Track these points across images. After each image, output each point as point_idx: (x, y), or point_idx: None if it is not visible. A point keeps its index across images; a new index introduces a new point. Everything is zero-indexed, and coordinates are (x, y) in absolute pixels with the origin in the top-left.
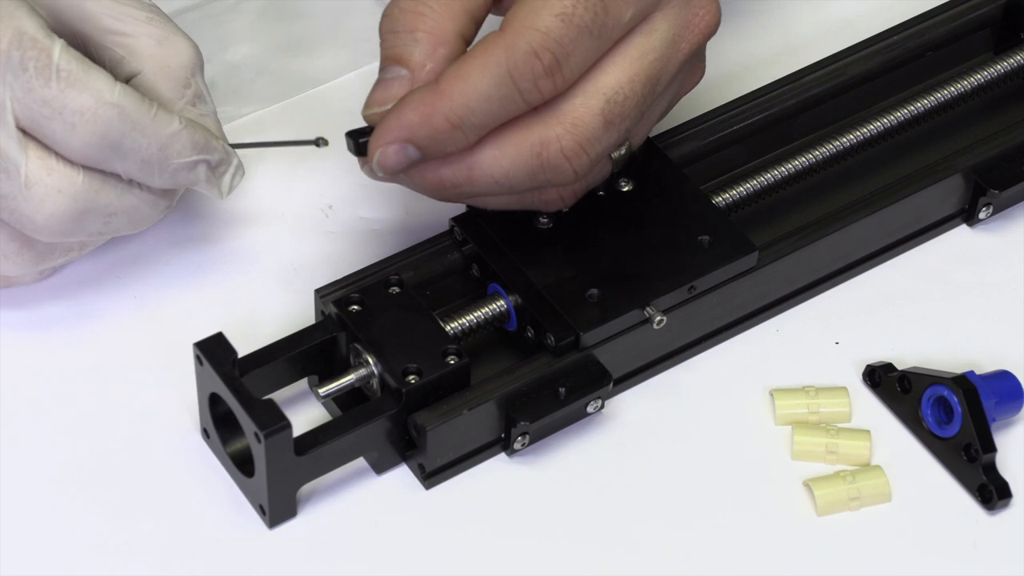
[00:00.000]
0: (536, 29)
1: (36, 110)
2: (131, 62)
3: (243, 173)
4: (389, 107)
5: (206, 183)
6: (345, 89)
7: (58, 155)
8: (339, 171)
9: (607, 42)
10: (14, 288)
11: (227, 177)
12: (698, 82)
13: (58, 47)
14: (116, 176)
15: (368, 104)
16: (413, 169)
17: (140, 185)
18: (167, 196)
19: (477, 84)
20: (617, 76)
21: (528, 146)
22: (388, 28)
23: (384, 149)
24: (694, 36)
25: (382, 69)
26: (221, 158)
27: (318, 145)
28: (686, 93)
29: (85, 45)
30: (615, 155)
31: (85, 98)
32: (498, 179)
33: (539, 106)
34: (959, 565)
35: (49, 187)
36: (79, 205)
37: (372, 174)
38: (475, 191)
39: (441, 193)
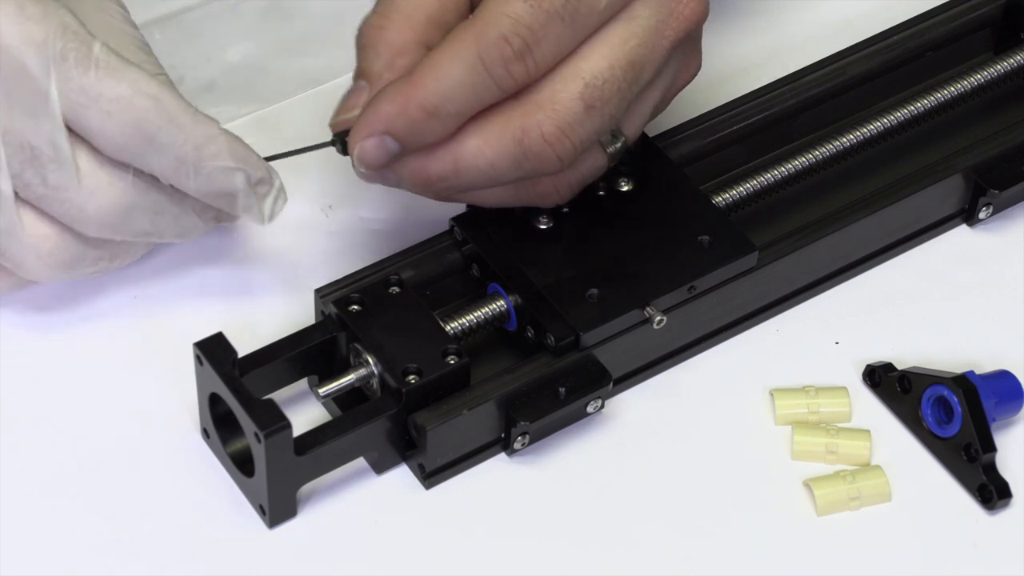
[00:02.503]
0: (505, 14)
1: (73, 99)
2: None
3: (286, 199)
4: (354, 114)
5: (244, 203)
6: (345, 89)
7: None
8: (339, 171)
9: (583, 29)
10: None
11: (269, 200)
12: (694, 76)
13: (98, 42)
14: (156, 185)
15: (334, 116)
16: (398, 165)
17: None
18: (210, 207)
19: (449, 71)
20: (596, 61)
21: (510, 133)
22: (357, 45)
23: (363, 144)
24: (679, 24)
25: (352, 84)
26: (262, 177)
27: (337, 148)
28: (682, 87)
29: None
30: (610, 149)
31: (123, 87)
32: (484, 170)
33: (519, 93)
34: (959, 565)
35: (101, 179)
36: (129, 199)
37: (362, 175)
38: (463, 184)
39: (431, 189)
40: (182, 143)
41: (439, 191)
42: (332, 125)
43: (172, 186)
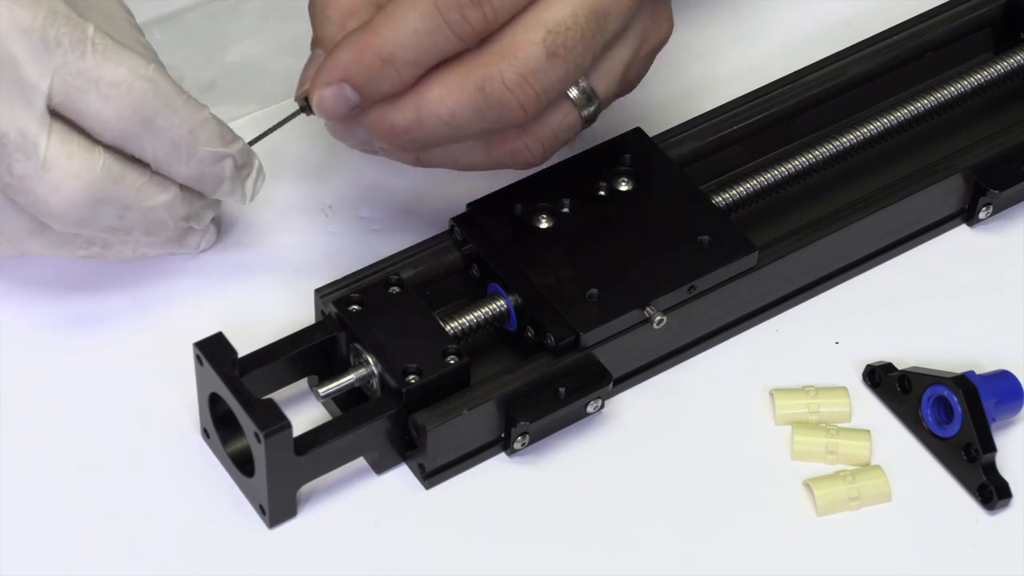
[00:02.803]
0: None
1: (70, 82)
2: None
3: (264, 178)
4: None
5: (230, 184)
6: None
7: (80, 141)
8: (339, 171)
9: None
10: (14, 289)
11: (250, 181)
12: (666, 37)
13: (91, 25)
14: (138, 168)
15: (297, 88)
16: (363, 117)
17: (160, 183)
18: (186, 202)
19: (404, 19)
20: (558, 9)
21: (471, 82)
22: (310, 14)
23: (321, 92)
24: None
25: (311, 53)
26: (245, 160)
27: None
28: (655, 48)
29: None
30: (585, 112)
31: (122, 71)
32: (446, 120)
33: (481, 44)
34: (959, 565)
35: (67, 171)
36: (94, 192)
37: (330, 130)
38: (428, 136)
39: (396, 141)
40: (177, 127)
41: (404, 144)
42: (296, 97)
43: (144, 180)
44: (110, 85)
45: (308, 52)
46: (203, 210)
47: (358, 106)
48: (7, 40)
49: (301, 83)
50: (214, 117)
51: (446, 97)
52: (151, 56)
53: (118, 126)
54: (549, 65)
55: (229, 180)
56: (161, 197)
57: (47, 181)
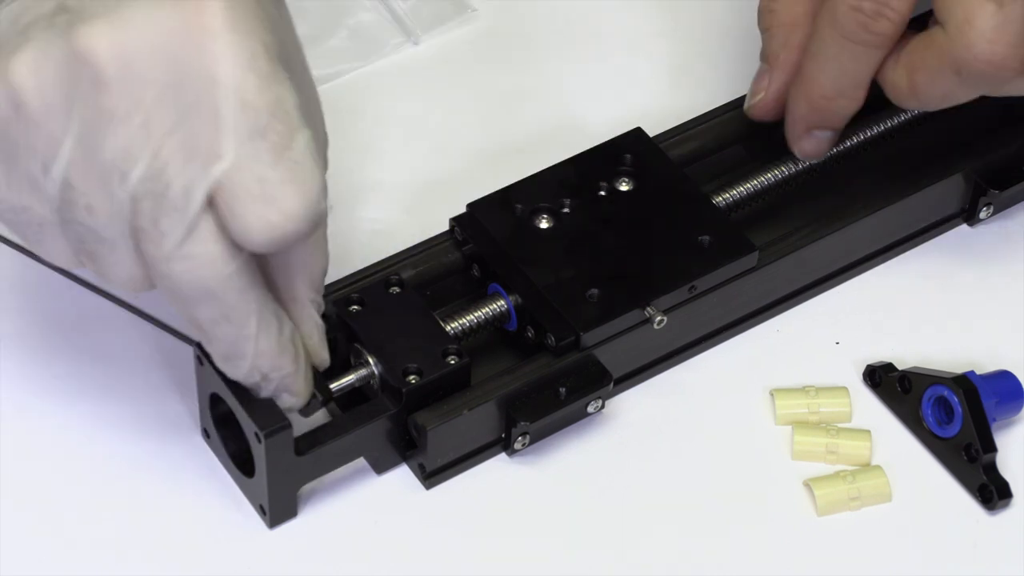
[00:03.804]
0: None
1: (244, 180)
2: None
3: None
4: (759, 97)
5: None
6: (345, 89)
7: (227, 234)
8: (339, 171)
9: None
10: (14, 288)
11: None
12: None
13: (305, 134)
14: (261, 293)
15: (747, 101)
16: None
17: (272, 318)
18: (283, 359)
19: (825, 59)
20: None
21: (948, 68)
22: (759, 28)
23: (800, 146)
24: None
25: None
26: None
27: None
28: None
29: None
30: None
31: (296, 203)
32: (943, 102)
33: (924, 25)
34: (959, 565)
35: (208, 251)
36: (217, 286)
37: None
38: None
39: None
40: (318, 270)
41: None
42: (746, 110)
43: (256, 308)
44: (280, 212)
45: (307, 52)
46: (286, 379)
47: (835, 134)
48: (224, 102)
49: (749, 97)
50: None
51: (931, 86)
52: (325, 169)
53: (259, 245)
54: (1005, 11)
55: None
56: (252, 330)
57: (182, 249)
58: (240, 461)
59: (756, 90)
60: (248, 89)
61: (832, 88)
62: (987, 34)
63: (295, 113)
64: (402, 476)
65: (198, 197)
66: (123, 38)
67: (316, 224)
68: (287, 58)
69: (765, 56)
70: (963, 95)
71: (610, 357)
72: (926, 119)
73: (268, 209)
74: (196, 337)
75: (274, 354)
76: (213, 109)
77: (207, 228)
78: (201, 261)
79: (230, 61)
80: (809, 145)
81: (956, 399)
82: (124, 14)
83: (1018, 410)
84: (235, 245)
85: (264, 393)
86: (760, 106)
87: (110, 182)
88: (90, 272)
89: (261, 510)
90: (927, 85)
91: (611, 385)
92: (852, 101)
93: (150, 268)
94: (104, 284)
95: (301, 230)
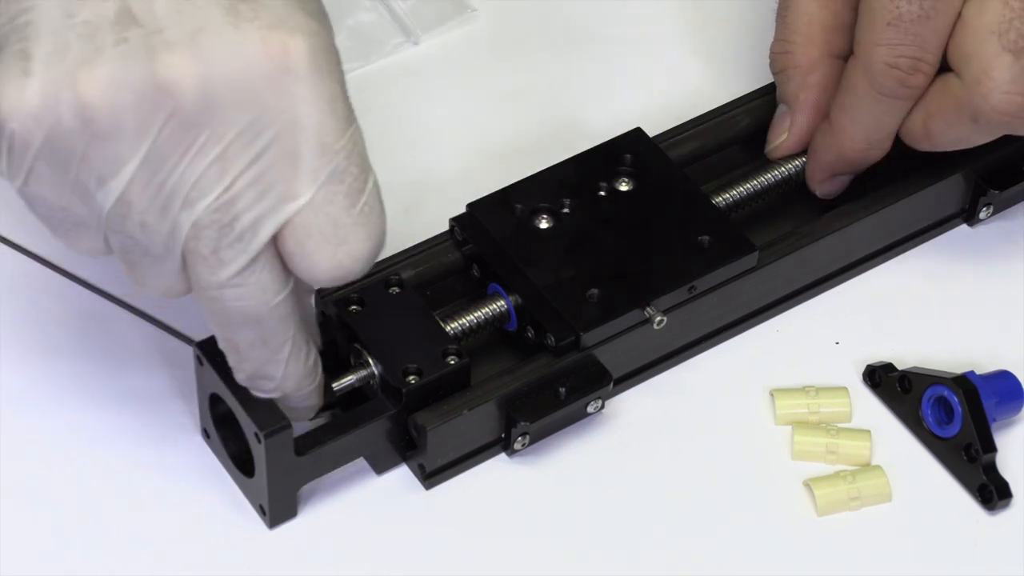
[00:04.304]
0: (878, 44)
1: (316, 221)
2: None
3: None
4: (783, 139)
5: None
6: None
7: (283, 266)
8: None
9: (949, 9)
10: (14, 288)
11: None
12: None
13: (373, 177)
14: (297, 319)
15: (768, 141)
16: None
17: (303, 349)
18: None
19: (859, 114)
20: (991, 7)
21: (966, 117)
22: (772, 71)
23: (822, 188)
24: None
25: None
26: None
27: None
28: None
29: None
30: None
31: (367, 247)
32: (957, 144)
33: (940, 75)
34: (959, 565)
35: (261, 280)
36: (267, 314)
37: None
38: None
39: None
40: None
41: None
42: (768, 152)
43: (298, 330)
44: (348, 255)
45: None
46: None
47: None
48: (303, 140)
49: (770, 139)
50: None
51: (947, 132)
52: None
53: (317, 279)
54: (1021, 62)
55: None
56: (285, 355)
57: (237, 279)
58: (240, 461)
59: (778, 132)
60: (328, 132)
61: (864, 140)
62: (1004, 86)
63: (366, 156)
64: (402, 476)
65: (266, 234)
66: (208, 73)
67: (368, 259)
68: None
69: (785, 98)
70: (978, 140)
71: (610, 357)
72: None
73: (339, 250)
74: (230, 358)
75: (300, 377)
76: (293, 150)
77: (265, 260)
78: (253, 291)
79: (312, 104)
80: (831, 187)
81: (956, 399)
82: (208, 45)
83: (1018, 410)
84: (286, 275)
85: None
86: (784, 148)
87: (173, 207)
88: (95, 271)
89: (261, 510)
90: (942, 131)
91: (611, 385)
92: (881, 151)
93: (198, 290)
94: (132, 287)
95: (364, 271)
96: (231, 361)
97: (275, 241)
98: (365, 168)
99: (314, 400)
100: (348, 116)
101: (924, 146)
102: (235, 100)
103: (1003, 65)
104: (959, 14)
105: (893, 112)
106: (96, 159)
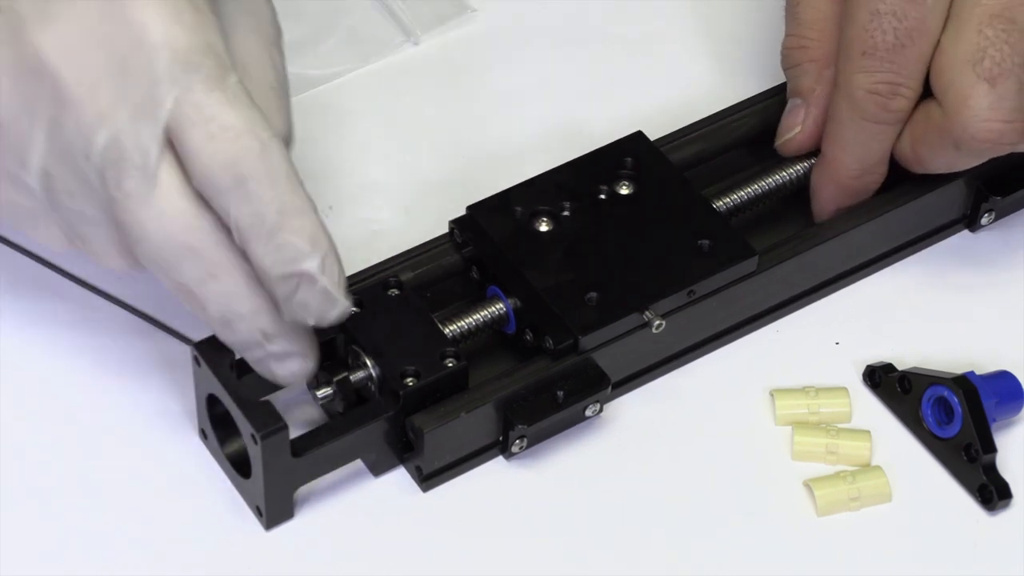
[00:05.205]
0: (855, 72)
1: (185, 112)
2: None
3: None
4: (795, 132)
5: (300, 310)
6: (345, 89)
7: (191, 187)
8: (339, 171)
9: (927, 36)
10: (13, 288)
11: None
12: None
13: (236, 76)
14: (232, 249)
15: (779, 134)
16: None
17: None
18: (267, 317)
19: (847, 141)
20: (966, 36)
21: (949, 143)
22: (784, 67)
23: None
24: None
25: (788, 103)
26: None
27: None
28: None
29: None
30: None
31: (237, 120)
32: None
33: (924, 101)
34: (959, 565)
35: (172, 205)
36: (194, 241)
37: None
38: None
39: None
40: (269, 200)
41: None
42: (779, 146)
43: (230, 262)
44: (220, 127)
45: (307, 52)
46: (279, 337)
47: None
48: (156, 56)
49: (781, 132)
50: (320, 220)
51: (934, 158)
52: (282, 133)
53: (210, 171)
54: (995, 91)
55: (299, 307)
56: (242, 284)
57: (152, 206)
58: (237, 462)
59: (790, 126)
60: (176, 37)
61: (857, 167)
62: (983, 113)
63: (225, 57)
64: (399, 478)
65: (152, 148)
66: (64, 30)
67: (266, 147)
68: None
69: (799, 92)
70: (964, 164)
71: (608, 361)
72: None
73: (209, 127)
74: (190, 307)
75: (270, 309)
76: (149, 66)
77: (169, 181)
78: (171, 215)
79: (156, 20)
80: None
81: (956, 399)
82: (56, 10)
83: (1018, 410)
84: (204, 202)
85: (273, 365)
86: (796, 142)
87: (78, 162)
88: (87, 264)
89: (258, 511)
90: (930, 157)
91: (609, 389)
92: (878, 176)
93: (129, 240)
94: (100, 267)
95: (252, 147)
96: (194, 309)
97: (177, 160)
98: (225, 65)
99: (304, 344)
100: (199, 24)
101: (918, 169)
102: (90, 45)
103: (980, 94)
104: (938, 41)
105: (880, 137)
106: (9, 145)
